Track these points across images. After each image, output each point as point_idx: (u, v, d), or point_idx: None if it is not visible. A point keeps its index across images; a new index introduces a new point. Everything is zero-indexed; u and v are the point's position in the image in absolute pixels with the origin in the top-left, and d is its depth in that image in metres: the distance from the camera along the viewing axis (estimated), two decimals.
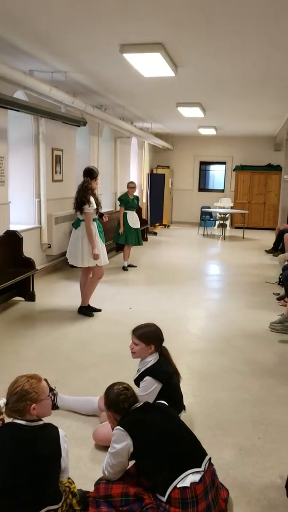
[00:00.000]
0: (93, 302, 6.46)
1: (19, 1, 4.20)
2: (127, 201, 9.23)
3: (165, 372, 3.40)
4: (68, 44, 5.57)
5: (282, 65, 6.25)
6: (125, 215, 9.19)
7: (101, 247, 6.16)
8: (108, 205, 12.06)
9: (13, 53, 5.86)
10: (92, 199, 6.00)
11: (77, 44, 5.56)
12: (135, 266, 9.60)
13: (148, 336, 3.43)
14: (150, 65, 6.04)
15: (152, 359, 3.43)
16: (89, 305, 6.41)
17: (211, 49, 5.57)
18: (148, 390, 3.28)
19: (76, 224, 6.17)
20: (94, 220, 6.11)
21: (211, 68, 6.50)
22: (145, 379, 3.34)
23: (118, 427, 2.61)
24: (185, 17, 4.47)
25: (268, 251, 11.67)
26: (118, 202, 9.43)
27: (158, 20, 4.59)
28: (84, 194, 6.02)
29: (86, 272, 6.33)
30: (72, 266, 6.45)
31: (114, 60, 6.13)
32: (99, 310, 6.43)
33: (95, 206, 6.02)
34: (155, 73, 6.51)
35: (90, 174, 6.15)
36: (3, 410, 2.38)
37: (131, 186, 9.34)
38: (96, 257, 6.00)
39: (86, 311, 6.32)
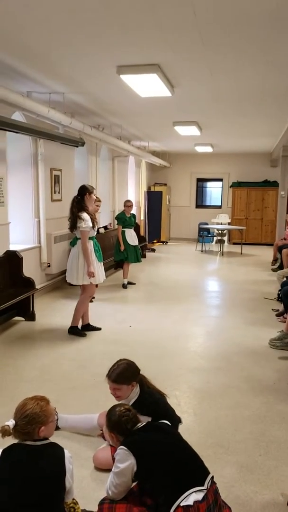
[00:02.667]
0: (92, 320, 6.49)
1: (17, 24, 4.30)
2: (125, 219, 9.31)
3: (149, 404, 3.30)
4: (66, 66, 5.66)
5: (277, 84, 6.35)
6: (123, 233, 9.26)
7: (96, 266, 6.15)
8: (106, 223, 12.13)
9: (11, 75, 5.96)
10: (86, 216, 5.99)
11: (74, 66, 5.65)
12: (134, 283, 9.63)
13: (125, 376, 3.31)
14: (147, 85, 6.13)
15: (134, 395, 3.33)
16: (88, 324, 6.43)
17: (207, 69, 5.66)
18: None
19: (73, 242, 6.19)
20: (91, 238, 6.13)
21: (208, 87, 6.61)
22: None
23: (122, 447, 2.63)
24: (181, 38, 4.55)
25: (274, 270, 11.22)
26: (116, 221, 9.49)
27: (154, 42, 4.68)
28: (75, 212, 6.02)
29: None
30: (71, 285, 6.46)
31: (111, 81, 6.23)
32: (99, 329, 6.45)
33: (90, 224, 6.00)
34: (152, 94, 6.60)
35: (80, 191, 6.16)
36: (11, 431, 2.40)
37: (128, 204, 9.43)
38: (91, 275, 6.00)
39: (78, 330, 6.29)
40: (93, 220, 6.11)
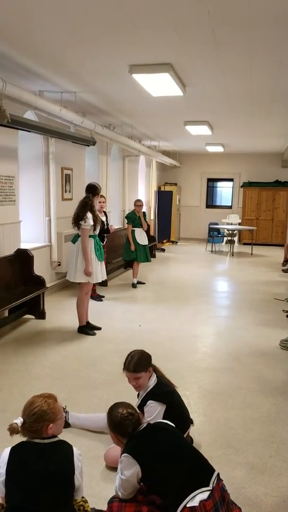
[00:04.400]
0: (101, 320, 6.49)
1: (30, 24, 4.30)
2: (135, 219, 9.29)
3: (166, 393, 3.41)
4: (78, 65, 5.66)
5: None
6: (133, 232, 9.24)
7: (95, 265, 6.11)
8: (116, 222, 12.13)
9: (23, 74, 5.97)
10: (89, 215, 5.99)
11: (86, 65, 5.66)
12: (144, 283, 9.62)
13: (142, 363, 3.39)
14: (159, 85, 6.13)
15: (152, 383, 3.42)
16: (88, 322, 6.40)
17: (219, 68, 5.65)
18: (153, 414, 3.27)
19: (74, 239, 6.19)
20: (92, 237, 6.10)
21: (219, 87, 6.59)
22: (148, 403, 3.32)
23: (126, 454, 2.61)
24: (194, 37, 4.54)
25: (285, 271, 11.36)
26: (126, 220, 9.49)
27: (167, 41, 4.67)
28: (83, 210, 6.03)
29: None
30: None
31: (123, 81, 6.22)
32: (99, 328, 6.43)
33: (91, 223, 5.99)
34: (163, 93, 6.60)
35: (92, 190, 6.19)
36: (20, 429, 2.40)
37: (138, 204, 9.41)
38: (88, 274, 5.97)
39: (86, 330, 6.29)
40: (96, 221, 6.09)
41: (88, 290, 6.29)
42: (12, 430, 2.39)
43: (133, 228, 9.26)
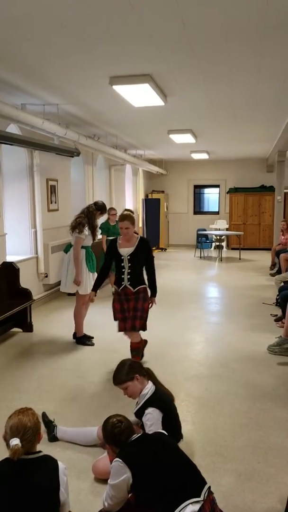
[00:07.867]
0: (89, 329, 6.47)
1: (10, 39, 4.32)
2: (108, 228, 9.25)
3: (164, 401, 3.43)
4: (59, 78, 5.69)
5: (270, 90, 6.38)
6: (107, 242, 9.20)
7: (86, 276, 6.10)
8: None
9: (5, 88, 5.99)
10: (86, 228, 6.01)
11: (67, 78, 5.68)
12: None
13: (123, 373, 3.43)
14: (140, 95, 6.17)
15: (148, 390, 3.43)
16: (85, 334, 6.40)
17: (199, 78, 5.70)
18: (154, 420, 3.27)
19: (66, 249, 6.20)
20: (85, 248, 6.09)
21: (200, 96, 6.64)
22: (148, 410, 3.32)
23: (117, 459, 2.61)
24: (171, 48, 4.59)
25: (272, 275, 11.34)
26: (100, 231, 9.43)
27: (145, 53, 4.71)
28: (84, 219, 6.03)
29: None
30: (69, 294, 6.43)
31: (104, 92, 6.26)
32: (92, 338, 6.42)
33: (87, 233, 6.01)
34: (144, 103, 6.64)
35: (100, 208, 6.20)
36: (20, 450, 2.32)
37: (112, 213, 9.33)
38: (77, 283, 5.97)
39: (84, 340, 6.29)
40: (94, 233, 6.13)
41: (84, 301, 6.26)
42: (16, 452, 2.30)
43: (108, 238, 9.23)
